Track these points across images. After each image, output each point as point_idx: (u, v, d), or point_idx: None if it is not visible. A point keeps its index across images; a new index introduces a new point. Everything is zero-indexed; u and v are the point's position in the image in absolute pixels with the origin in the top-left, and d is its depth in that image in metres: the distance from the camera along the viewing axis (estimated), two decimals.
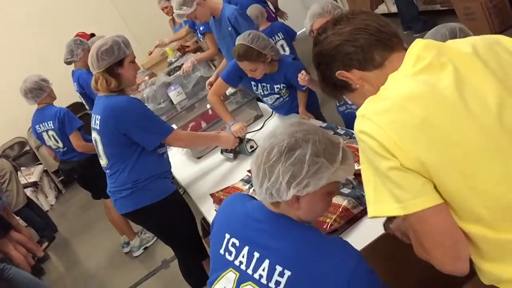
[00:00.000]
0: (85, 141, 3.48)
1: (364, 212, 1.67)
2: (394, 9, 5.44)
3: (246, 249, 1.22)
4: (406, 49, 1.07)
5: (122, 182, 2.36)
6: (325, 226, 1.64)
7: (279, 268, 1.14)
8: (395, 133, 0.96)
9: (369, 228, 1.61)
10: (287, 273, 1.13)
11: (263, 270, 1.17)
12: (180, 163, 2.90)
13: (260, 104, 3.05)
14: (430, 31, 1.62)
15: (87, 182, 3.74)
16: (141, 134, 2.28)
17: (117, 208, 2.48)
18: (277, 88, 2.67)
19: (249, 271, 1.19)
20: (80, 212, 5.45)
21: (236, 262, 1.23)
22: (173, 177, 2.68)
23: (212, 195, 2.27)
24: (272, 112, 2.95)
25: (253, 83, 2.74)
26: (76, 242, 4.91)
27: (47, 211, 5.67)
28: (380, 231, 1.53)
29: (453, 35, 1.52)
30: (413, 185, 0.95)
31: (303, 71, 2.36)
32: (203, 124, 3.21)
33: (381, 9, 5.70)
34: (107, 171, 2.42)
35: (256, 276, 1.17)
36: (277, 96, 2.72)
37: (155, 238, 3.92)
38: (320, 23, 2.13)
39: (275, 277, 1.14)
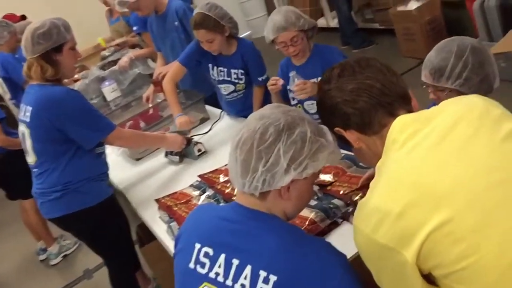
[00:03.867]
0: (6, 134, 3.10)
1: (332, 226, 1.57)
2: (333, 23, 5.53)
3: (222, 257, 1.06)
4: (410, 110, 1.04)
5: (51, 183, 2.09)
6: None
7: (263, 274, 0.99)
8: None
9: (337, 245, 1.51)
10: (273, 278, 0.98)
11: (245, 278, 1.01)
12: (117, 165, 2.65)
13: (207, 106, 2.89)
14: (439, 44, 1.55)
15: (4, 180, 3.34)
16: (79, 131, 2.04)
17: (44, 212, 2.20)
18: (234, 74, 2.54)
19: (229, 282, 1.03)
20: None
21: (212, 275, 1.06)
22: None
23: (157, 201, 2.08)
24: (221, 114, 2.80)
25: (210, 65, 2.60)
26: None
27: None
28: (350, 250, 1.44)
29: (461, 54, 1.47)
30: None
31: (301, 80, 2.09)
32: (142, 124, 2.99)
33: (321, 23, 5.77)
34: (34, 170, 2.15)
35: (237, 286, 1.01)
36: (232, 87, 2.59)
37: (77, 244, 3.61)
38: (285, 37, 2.05)
39: (260, 284, 0.99)
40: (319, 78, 2.12)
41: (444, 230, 0.85)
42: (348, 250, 1.42)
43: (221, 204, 1.86)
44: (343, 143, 1.13)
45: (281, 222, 1.10)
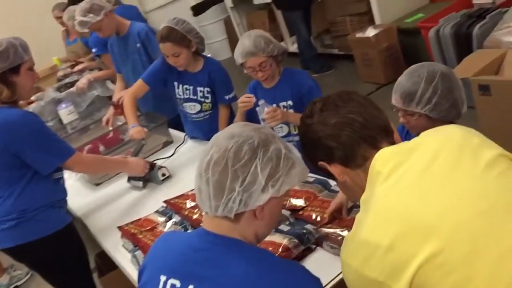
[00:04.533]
0: None
1: (306, 252, 1.53)
2: (293, 48, 5.61)
3: None
4: (392, 142, 1.06)
5: (6, 211, 1.96)
6: None
7: None
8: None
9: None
10: None
11: None
12: (75, 190, 2.52)
13: (170, 130, 2.83)
14: (410, 68, 1.57)
15: None
16: (37, 155, 1.93)
17: None
18: (200, 92, 2.49)
19: None
20: None
21: None
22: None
23: (120, 228, 1.98)
24: (184, 137, 2.74)
25: (175, 83, 2.54)
26: None
27: None
28: (325, 276, 1.41)
29: (431, 79, 1.49)
30: None
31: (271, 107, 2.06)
32: (102, 148, 2.89)
33: None
34: None
35: None
36: (198, 106, 2.54)
37: (29, 275, 3.41)
38: (253, 62, 2.04)
39: None
40: (289, 102, 2.13)
41: (435, 261, 0.84)
42: (323, 276, 1.39)
43: (188, 231, 1.80)
44: (327, 176, 1.12)
45: (251, 248, 1.05)
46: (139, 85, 2.61)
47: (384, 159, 1.00)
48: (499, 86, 2.80)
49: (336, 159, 1.06)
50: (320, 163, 1.09)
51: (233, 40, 6.76)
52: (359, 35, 4.41)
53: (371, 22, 4.56)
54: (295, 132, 2.17)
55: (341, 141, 1.04)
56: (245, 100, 2.07)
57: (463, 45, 3.42)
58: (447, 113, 1.51)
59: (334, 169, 1.08)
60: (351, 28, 4.75)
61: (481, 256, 0.83)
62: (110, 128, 3.03)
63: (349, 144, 1.04)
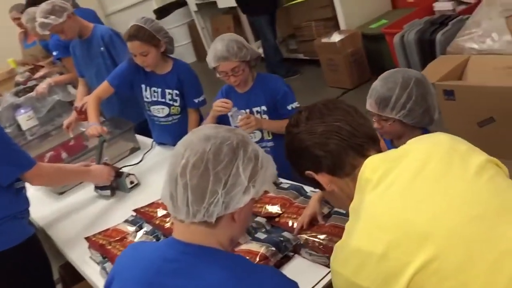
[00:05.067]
0: None
1: (283, 260, 1.51)
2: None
3: None
4: (379, 150, 1.05)
5: None
6: None
7: None
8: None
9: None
10: None
11: None
12: (37, 199, 2.41)
13: (137, 136, 2.75)
14: (384, 74, 1.57)
15: None
16: None
17: None
18: (168, 94, 2.42)
19: None
20: None
21: None
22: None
23: (87, 239, 1.90)
24: (152, 143, 2.67)
25: (143, 86, 2.47)
26: None
27: None
28: (303, 285, 1.39)
29: (405, 85, 1.49)
30: None
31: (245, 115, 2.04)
32: (64, 155, 2.78)
33: None
34: None
35: None
36: (167, 109, 2.47)
37: None
38: (226, 67, 2.00)
39: None
40: (263, 107, 2.10)
41: (430, 268, 0.83)
42: (303, 284, 1.38)
43: (161, 240, 1.74)
44: (314, 186, 1.11)
45: (225, 254, 1.01)
46: (104, 87, 2.53)
47: (373, 166, 0.99)
48: (463, 91, 2.87)
49: (324, 168, 1.05)
50: (307, 172, 1.08)
51: (197, 44, 6.70)
52: (324, 40, 4.45)
53: (336, 27, 4.61)
54: (269, 138, 2.14)
55: (328, 150, 1.03)
56: (222, 105, 2.02)
57: (427, 50, 3.50)
58: (420, 119, 1.52)
59: (322, 178, 1.07)
60: (316, 33, 4.78)
61: (476, 262, 0.83)
62: (71, 134, 2.91)
63: (337, 152, 1.03)
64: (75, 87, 3.69)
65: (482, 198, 0.91)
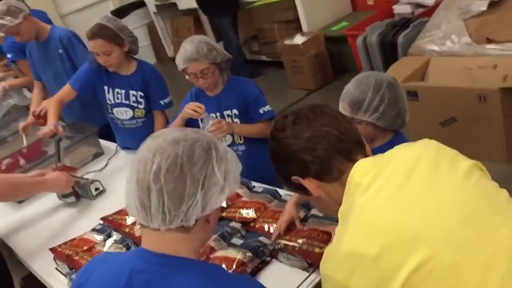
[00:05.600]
0: None
1: (261, 266, 1.48)
2: None
3: None
4: (366, 155, 1.05)
5: None
6: None
7: None
8: None
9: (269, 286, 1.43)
10: None
11: None
12: None
13: (100, 140, 2.66)
14: (357, 77, 1.57)
15: None
16: None
17: None
18: (132, 96, 2.36)
19: None
20: None
21: None
22: None
23: (53, 250, 1.81)
24: (116, 148, 2.59)
25: (106, 88, 2.39)
26: None
27: None
28: None
29: (378, 88, 1.50)
30: None
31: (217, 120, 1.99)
32: (22, 162, 2.66)
33: None
34: None
35: None
36: (131, 112, 2.40)
37: None
38: (195, 68, 1.96)
39: None
40: (234, 111, 2.07)
41: (424, 270, 0.83)
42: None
43: (130, 250, 1.68)
44: (300, 192, 1.10)
45: (200, 264, 0.98)
46: (66, 91, 2.46)
47: (363, 170, 0.99)
48: (426, 92, 2.94)
49: (311, 173, 1.04)
50: (294, 177, 1.06)
51: (157, 46, 6.58)
52: (287, 42, 4.46)
53: (298, 29, 4.63)
54: (240, 142, 2.11)
55: (317, 155, 1.02)
56: (195, 108, 1.98)
57: (389, 52, 3.56)
58: (392, 122, 1.53)
59: (309, 183, 1.05)
60: (279, 35, 4.79)
61: (470, 262, 0.84)
62: (24, 141, 2.75)
63: (325, 157, 1.02)
64: (31, 90, 3.55)
65: (472, 199, 0.92)
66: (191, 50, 1.93)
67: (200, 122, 2.01)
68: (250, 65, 5.10)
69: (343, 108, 1.57)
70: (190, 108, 1.97)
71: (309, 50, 4.33)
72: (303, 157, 1.03)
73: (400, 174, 0.95)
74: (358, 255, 0.87)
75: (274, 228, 1.56)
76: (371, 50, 3.64)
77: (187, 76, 2.01)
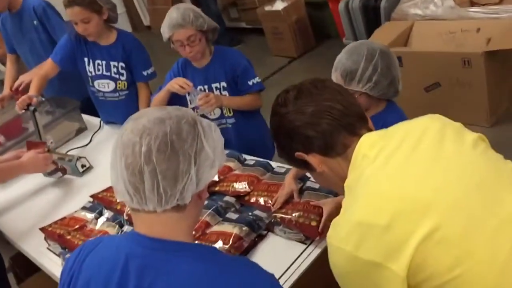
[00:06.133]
0: None
1: (257, 239, 1.49)
2: None
3: None
4: (370, 129, 1.05)
5: None
6: None
7: None
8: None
9: (266, 258, 1.44)
10: None
11: None
12: None
13: (83, 115, 2.59)
14: (349, 46, 1.54)
15: None
16: None
17: None
18: (114, 67, 2.30)
19: None
20: None
21: None
22: None
23: (43, 229, 1.78)
24: (100, 123, 2.53)
25: (86, 60, 2.33)
26: None
27: None
28: (280, 262, 1.38)
29: (371, 57, 1.48)
30: None
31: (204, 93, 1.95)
32: (1, 139, 2.58)
33: None
34: None
35: None
36: (113, 84, 2.34)
37: None
38: (181, 35, 1.90)
39: None
40: (222, 83, 2.03)
41: (435, 237, 0.84)
42: (281, 262, 1.38)
43: (124, 230, 1.66)
44: (304, 167, 1.09)
45: (194, 247, 0.97)
46: (49, 65, 2.38)
47: (371, 143, 0.99)
48: (410, 57, 2.94)
49: (315, 149, 1.03)
50: (297, 153, 1.05)
51: (132, 14, 6.40)
52: (268, 8, 4.38)
53: None
54: (230, 115, 2.08)
55: (320, 130, 1.01)
56: (183, 85, 1.93)
57: (372, 17, 3.53)
58: (386, 91, 1.53)
59: (313, 159, 1.04)
60: (258, 1, 4.69)
61: (479, 229, 0.85)
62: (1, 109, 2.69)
63: (330, 132, 1.01)
64: (4, 64, 3.42)
65: (481, 168, 0.93)
66: (177, 17, 1.88)
67: (187, 97, 1.97)
68: (230, 33, 5.00)
69: (335, 79, 1.55)
70: (178, 83, 1.93)
71: (290, 16, 4.26)
72: (306, 133, 1.02)
73: (408, 145, 0.96)
74: (368, 224, 0.88)
75: (271, 202, 1.56)
76: (353, 16, 3.60)
77: (172, 44, 1.95)
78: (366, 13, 3.56)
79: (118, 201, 1.79)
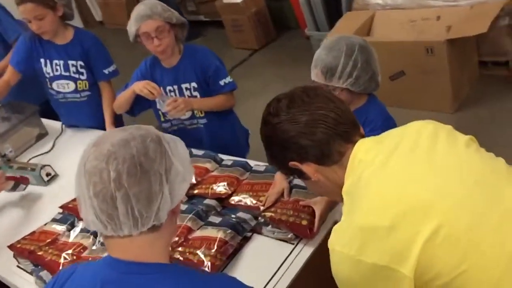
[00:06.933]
0: None
1: (243, 242, 1.45)
2: None
3: None
4: (362, 135, 1.05)
5: None
6: (204, 267, 1.35)
7: None
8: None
9: (252, 260, 1.40)
10: None
11: None
12: None
13: (43, 120, 2.46)
14: (327, 42, 1.50)
15: None
16: None
17: None
18: (72, 66, 2.19)
19: None
20: None
21: None
22: None
23: (12, 247, 1.68)
24: (62, 127, 2.42)
25: (42, 61, 2.21)
26: None
27: None
28: (267, 262, 1.35)
29: (350, 52, 1.46)
30: None
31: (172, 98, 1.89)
32: None
33: None
34: None
35: None
36: (72, 84, 2.23)
37: None
38: (149, 26, 1.82)
39: None
40: (193, 84, 1.96)
41: (439, 236, 0.84)
42: (265, 262, 1.36)
43: (100, 240, 1.58)
44: (297, 176, 1.08)
45: (171, 268, 0.92)
46: (11, 73, 2.26)
47: (366, 148, 0.99)
48: (374, 47, 2.92)
49: (310, 158, 1.02)
50: (292, 163, 1.03)
51: (82, 9, 6.16)
52: (226, 0, 4.31)
53: None
54: (201, 115, 2.02)
55: (316, 139, 1.00)
56: (152, 90, 1.86)
57: (333, 8, 3.53)
58: (367, 86, 1.51)
59: (308, 168, 1.03)
60: None
61: (484, 222, 0.86)
62: None
63: (325, 141, 1.00)
64: None
65: (477, 166, 0.95)
66: (144, 8, 1.82)
67: (157, 102, 1.90)
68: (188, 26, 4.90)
69: (316, 75, 1.53)
70: (146, 87, 1.86)
71: (249, 8, 4.22)
72: (301, 142, 1.00)
73: (404, 148, 0.96)
74: (371, 227, 0.87)
75: (258, 202, 1.52)
76: (314, 6, 3.59)
77: (138, 39, 1.87)
78: (327, 3, 3.55)
79: None
